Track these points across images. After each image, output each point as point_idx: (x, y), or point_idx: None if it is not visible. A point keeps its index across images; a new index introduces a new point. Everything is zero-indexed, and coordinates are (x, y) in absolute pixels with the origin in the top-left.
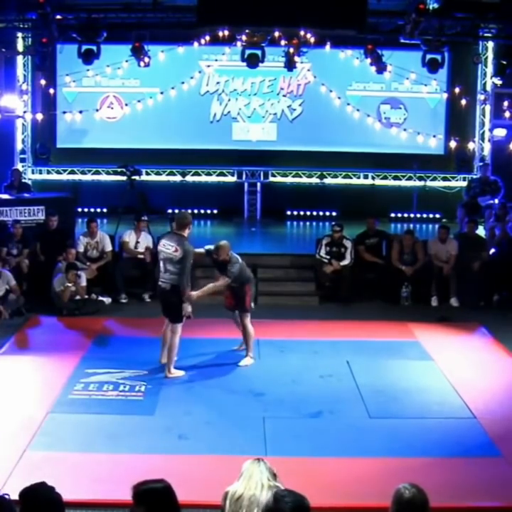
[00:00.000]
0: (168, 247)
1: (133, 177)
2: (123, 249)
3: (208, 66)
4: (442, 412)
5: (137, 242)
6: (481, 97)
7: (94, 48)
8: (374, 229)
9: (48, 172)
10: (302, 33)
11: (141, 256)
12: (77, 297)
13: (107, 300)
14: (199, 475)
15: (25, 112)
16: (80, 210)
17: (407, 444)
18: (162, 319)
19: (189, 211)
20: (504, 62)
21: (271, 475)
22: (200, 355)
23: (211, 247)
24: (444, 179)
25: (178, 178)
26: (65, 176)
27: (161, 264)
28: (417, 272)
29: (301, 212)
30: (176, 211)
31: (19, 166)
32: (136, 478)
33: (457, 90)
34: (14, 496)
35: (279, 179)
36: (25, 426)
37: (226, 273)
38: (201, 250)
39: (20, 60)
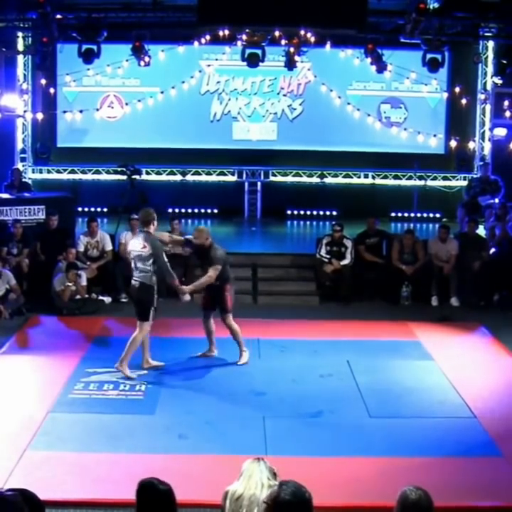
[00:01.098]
0: (136, 246)
1: (133, 176)
2: (120, 251)
3: (208, 65)
4: (442, 411)
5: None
6: (481, 96)
7: (95, 47)
8: (374, 228)
9: (49, 171)
10: (302, 32)
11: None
12: (78, 297)
13: (107, 299)
14: (199, 474)
15: (25, 112)
16: (80, 209)
17: (407, 443)
18: (161, 319)
19: (190, 210)
20: (504, 62)
21: (271, 474)
22: None
23: (190, 236)
24: (445, 179)
25: (178, 177)
26: (65, 176)
27: (132, 263)
28: (418, 271)
29: (302, 212)
30: (176, 211)
31: (19, 166)
32: (136, 478)
33: (457, 90)
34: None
35: (279, 178)
36: (26, 425)
37: (210, 260)
38: (180, 238)
39: (20, 59)
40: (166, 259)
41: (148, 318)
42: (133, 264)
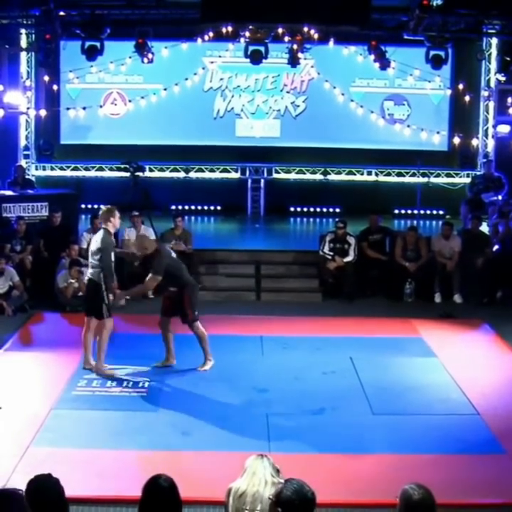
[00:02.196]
0: (92, 242)
1: (136, 173)
2: (123, 247)
3: (212, 62)
4: (445, 408)
5: None
6: (484, 93)
7: (98, 44)
8: (377, 225)
9: (52, 168)
10: (306, 29)
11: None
12: (81, 294)
13: (111, 296)
14: (202, 471)
15: (28, 109)
16: (83, 206)
17: (410, 440)
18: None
19: (193, 207)
20: (508, 59)
21: (274, 471)
22: None
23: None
24: (448, 175)
25: (181, 174)
26: (68, 173)
27: (89, 259)
28: (421, 268)
29: (305, 209)
30: (179, 208)
31: (23, 163)
32: (140, 475)
33: (461, 87)
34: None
35: (282, 176)
36: (29, 422)
37: (151, 269)
38: (128, 251)
39: (23, 56)
40: (112, 259)
41: (103, 316)
42: (89, 261)
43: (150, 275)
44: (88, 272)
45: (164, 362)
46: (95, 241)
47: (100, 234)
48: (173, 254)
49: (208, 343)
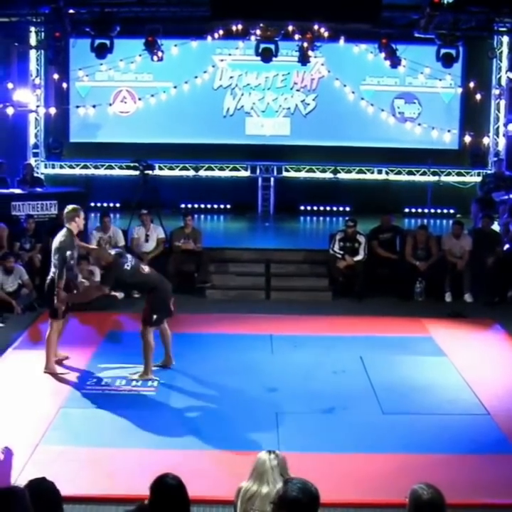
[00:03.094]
0: (54, 240)
1: (146, 172)
2: (132, 246)
3: (222, 60)
4: (456, 408)
5: (147, 235)
6: (495, 91)
7: (108, 42)
8: (388, 225)
9: (61, 166)
10: (316, 27)
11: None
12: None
13: (120, 295)
14: (211, 470)
15: (38, 107)
16: (92, 204)
17: (420, 440)
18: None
19: (203, 206)
20: None
21: (283, 469)
22: (213, 350)
23: (118, 250)
24: (459, 174)
25: (191, 172)
26: (77, 171)
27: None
28: (431, 267)
29: (315, 208)
30: (189, 206)
31: (32, 161)
32: (148, 473)
33: (472, 85)
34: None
35: (292, 174)
36: (38, 420)
37: (100, 279)
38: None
39: (33, 54)
40: (67, 260)
41: (56, 315)
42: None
43: (98, 284)
44: (50, 271)
45: (162, 362)
46: (55, 240)
47: (61, 233)
48: (131, 264)
49: (151, 355)
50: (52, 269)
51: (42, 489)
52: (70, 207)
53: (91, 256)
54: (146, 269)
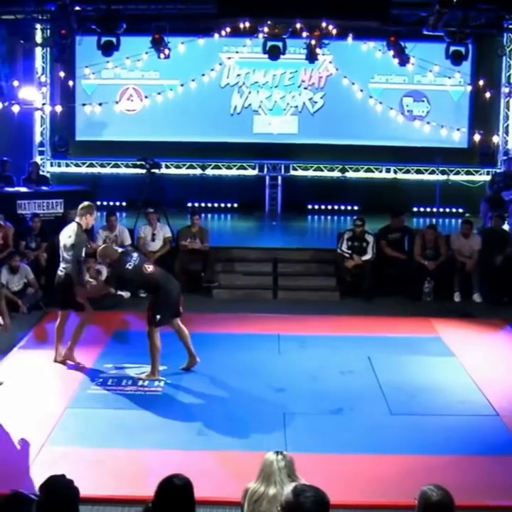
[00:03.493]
0: (64, 235)
1: (152, 170)
2: (139, 245)
3: (229, 58)
4: (465, 409)
5: (153, 234)
6: (505, 89)
7: (114, 39)
8: (399, 225)
9: (67, 165)
10: (324, 24)
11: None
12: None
13: (126, 294)
14: (218, 471)
15: (43, 104)
16: (98, 203)
17: (428, 441)
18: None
19: (210, 205)
20: None
21: (291, 470)
22: (220, 350)
23: (126, 249)
24: (468, 173)
25: (198, 171)
26: (83, 169)
27: (60, 252)
28: (440, 267)
29: (323, 206)
30: (196, 205)
31: (38, 159)
32: (155, 474)
33: (481, 83)
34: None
35: (300, 173)
36: (44, 421)
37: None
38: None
39: (38, 51)
40: (82, 257)
41: (82, 309)
42: (61, 254)
43: (104, 282)
44: (61, 266)
45: (187, 364)
46: (68, 236)
47: (74, 228)
48: (134, 263)
49: (158, 355)
50: (64, 265)
51: (60, 486)
52: (85, 203)
53: (98, 253)
54: (150, 268)
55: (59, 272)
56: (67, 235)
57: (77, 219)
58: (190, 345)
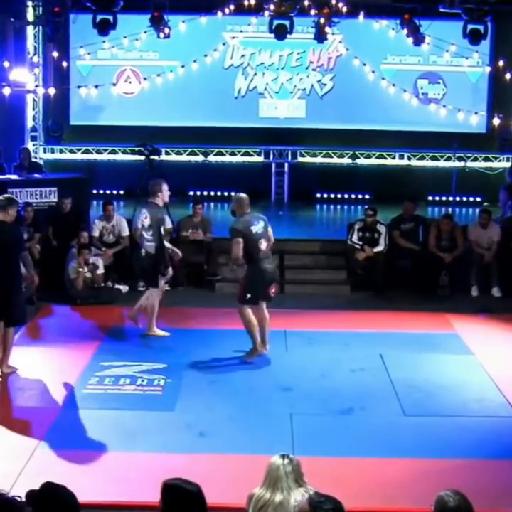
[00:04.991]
0: (141, 216)
1: (152, 157)
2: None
3: (233, 38)
4: (482, 409)
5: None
6: None
7: (111, 17)
8: (411, 213)
9: (61, 151)
10: (334, 1)
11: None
12: (94, 285)
13: (124, 288)
14: (221, 475)
15: (36, 87)
16: (95, 191)
17: (444, 443)
18: (181, 309)
19: (212, 193)
20: None
21: (298, 475)
22: (223, 347)
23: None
24: (486, 159)
25: (199, 157)
26: (79, 156)
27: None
28: (456, 259)
29: (332, 195)
30: (198, 193)
31: (30, 145)
32: (154, 479)
33: (501, 63)
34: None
35: (308, 159)
36: (36, 422)
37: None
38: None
39: (30, 30)
40: (162, 233)
41: (157, 284)
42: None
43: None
44: (143, 245)
45: (253, 352)
46: (144, 215)
47: (149, 208)
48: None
49: (255, 329)
50: (146, 244)
51: (60, 496)
52: (151, 182)
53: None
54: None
55: (142, 251)
56: (143, 216)
57: (152, 200)
58: (266, 332)
